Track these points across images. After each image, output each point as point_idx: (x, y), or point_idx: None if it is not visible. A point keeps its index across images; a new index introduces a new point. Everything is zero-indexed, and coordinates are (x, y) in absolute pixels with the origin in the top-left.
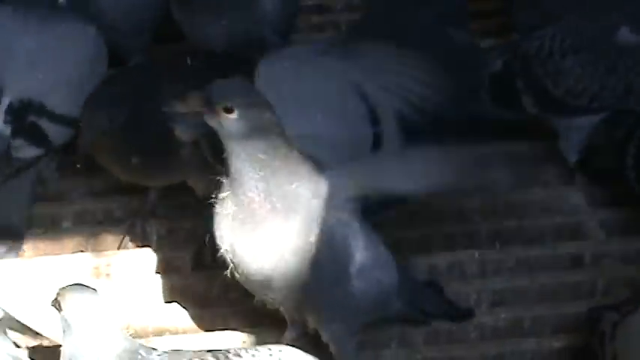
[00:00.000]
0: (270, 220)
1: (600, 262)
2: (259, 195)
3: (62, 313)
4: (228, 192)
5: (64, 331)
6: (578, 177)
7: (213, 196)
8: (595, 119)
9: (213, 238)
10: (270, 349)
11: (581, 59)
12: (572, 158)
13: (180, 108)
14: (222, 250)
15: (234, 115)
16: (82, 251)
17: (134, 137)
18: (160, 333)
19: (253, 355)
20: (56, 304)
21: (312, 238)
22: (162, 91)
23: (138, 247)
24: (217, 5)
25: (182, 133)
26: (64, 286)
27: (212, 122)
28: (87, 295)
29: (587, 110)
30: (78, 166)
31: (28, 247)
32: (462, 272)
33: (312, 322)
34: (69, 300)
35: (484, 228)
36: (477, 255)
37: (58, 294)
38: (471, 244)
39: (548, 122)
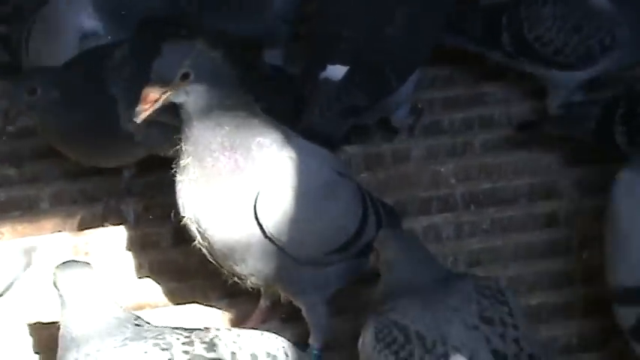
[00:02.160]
0: (234, 181)
1: (574, 220)
2: (223, 156)
3: (58, 290)
4: (190, 158)
5: (61, 308)
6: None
7: (174, 164)
8: (573, 78)
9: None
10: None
11: (555, 11)
12: (552, 111)
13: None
14: (185, 219)
15: (191, 79)
16: (60, 231)
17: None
18: (140, 307)
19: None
20: (54, 282)
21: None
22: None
23: (115, 224)
24: (231, 5)
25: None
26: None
27: (176, 98)
28: (78, 269)
29: (552, 62)
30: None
31: (6, 229)
32: (438, 235)
33: (283, 292)
34: (61, 276)
35: (459, 191)
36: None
37: (53, 273)
38: (445, 207)
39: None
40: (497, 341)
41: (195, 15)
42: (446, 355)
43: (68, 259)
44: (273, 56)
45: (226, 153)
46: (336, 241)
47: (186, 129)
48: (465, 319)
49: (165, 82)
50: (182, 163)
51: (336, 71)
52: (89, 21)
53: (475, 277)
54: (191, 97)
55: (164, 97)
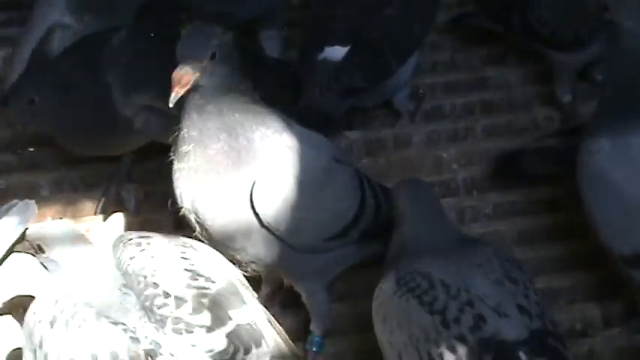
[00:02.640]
0: (234, 170)
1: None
2: (226, 144)
3: (46, 254)
4: (192, 144)
5: (50, 272)
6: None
7: (171, 152)
8: (572, 60)
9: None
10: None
11: None
12: (563, 99)
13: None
14: (183, 210)
15: (216, 60)
16: (60, 218)
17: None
18: None
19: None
20: (36, 247)
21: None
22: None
23: (116, 211)
24: None
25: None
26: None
27: (202, 80)
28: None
29: (551, 43)
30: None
31: None
32: None
33: (284, 278)
34: (52, 239)
35: (460, 176)
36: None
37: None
38: (448, 192)
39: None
40: (521, 299)
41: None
42: (470, 303)
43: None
44: (270, 37)
45: (230, 141)
46: (334, 227)
47: (194, 114)
48: (489, 274)
49: (196, 63)
50: (183, 149)
51: (335, 52)
52: (58, 11)
53: (493, 244)
54: (213, 79)
55: (195, 77)
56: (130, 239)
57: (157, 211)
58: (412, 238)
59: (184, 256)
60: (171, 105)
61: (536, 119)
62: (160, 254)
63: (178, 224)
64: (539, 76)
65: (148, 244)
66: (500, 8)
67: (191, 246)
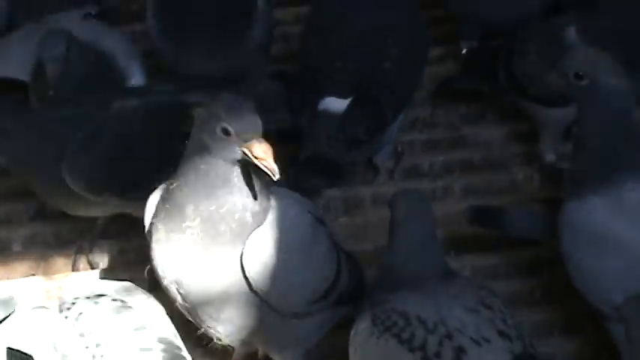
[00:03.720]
0: (216, 246)
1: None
2: (203, 220)
3: None
4: (166, 219)
5: None
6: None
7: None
8: (559, 116)
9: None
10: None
11: (539, 45)
12: (548, 157)
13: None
14: (164, 281)
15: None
16: (33, 275)
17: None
18: None
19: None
20: None
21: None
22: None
23: (89, 269)
24: (210, 42)
25: None
26: None
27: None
28: None
29: (538, 98)
30: None
31: None
32: None
33: (262, 349)
34: None
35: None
36: None
37: None
38: None
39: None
40: (499, 323)
41: (172, 56)
42: (449, 336)
43: None
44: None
45: (213, 209)
46: (319, 290)
47: (182, 183)
48: (465, 303)
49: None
50: (158, 222)
51: (335, 104)
52: None
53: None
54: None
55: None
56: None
57: (132, 269)
58: (401, 258)
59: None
60: (277, 177)
61: (516, 179)
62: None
63: (153, 284)
64: (519, 136)
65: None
66: (486, 65)
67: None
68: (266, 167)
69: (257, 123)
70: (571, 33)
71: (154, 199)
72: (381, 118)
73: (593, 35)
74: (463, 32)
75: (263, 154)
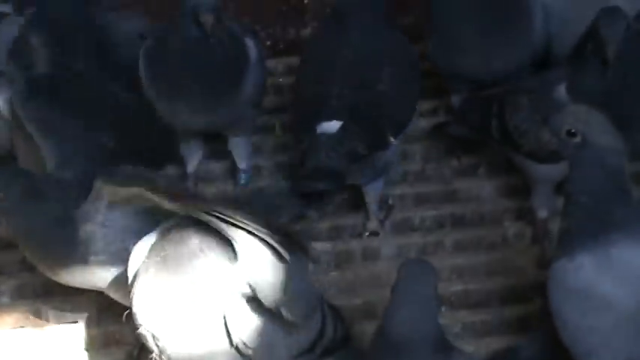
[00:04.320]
0: (199, 293)
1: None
2: (193, 266)
3: None
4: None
5: None
6: None
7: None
8: (551, 172)
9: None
10: None
11: (531, 100)
12: (540, 214)
13: None
14: (141, 330)
15: None
16: (22, 327)
17: None
18: None
19: None
20: None
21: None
22: None
23: (78, 321)
24: (201, 96)
25: None
26: None
27: None
28: None
29: (529, 153)
30: None
31: None
32: None
33: None
34: None
35: None
36: None
37: None
38: None
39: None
40: None
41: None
42: None
43: None
44: (238, 144)
45: (196, 262)
46: (304, 343)
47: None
48: None
49: None
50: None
51: (333, 126)
52: None
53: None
54: None
55: None
56: None
57: (119, 321)
58: (397, 324)
59: None
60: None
61: (506, 234)
62: None
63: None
64: (511, 190)
65: None
66: (478, 115)
67: None
68: None
69: None
70: (561, 90)
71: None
72: (379, 136)
73: (583, 92)
74: (451, 87)
75: None
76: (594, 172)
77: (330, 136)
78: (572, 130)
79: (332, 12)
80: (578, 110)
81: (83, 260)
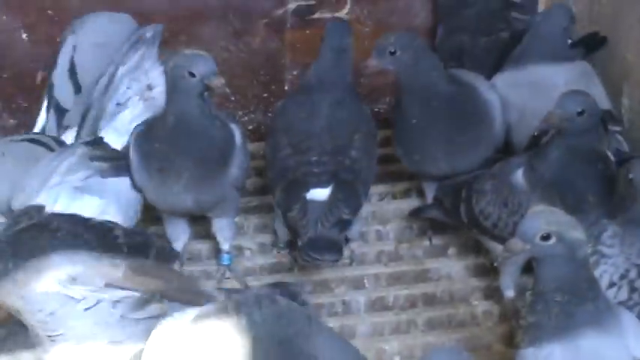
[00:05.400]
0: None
1: None
2: None
3: None
4: None
5: None
6: None
7: None
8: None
9: None
10: None
11: (493, 185)
12: (506, 294)
13: None
14: None
15: None
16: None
17: None
18: None
19: None
20: None
21: None
22: None
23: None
24: (188, 179)
25: None
26: None
27: None
28: None
29: (494, 236)
30: None
31: None
32: None
33: None
34: None
35: None
36: None
37: None
38: None
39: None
40: None
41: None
42: None
43: None
44: (223, 227)
45: None
46: None
47: None
48: None
49: None
50: None
51: (319, 194)
52: None
53: None
54: None
55: None
56: None
57: None
58: None
59: None
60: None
61: (475, 313)
62: None
63: None
64: (480, 270)
65: None
66: (450, 202)
67: None
68: None
69: None
70: (518, 175)
71: None
72: (357, 199)
73: (539, 178)
74: (423, 186)
75: None
76: (566, 268)
77: (318, 206)
78: (545, 234)
79: (300, 86)
80: (544, 214)
81: None
